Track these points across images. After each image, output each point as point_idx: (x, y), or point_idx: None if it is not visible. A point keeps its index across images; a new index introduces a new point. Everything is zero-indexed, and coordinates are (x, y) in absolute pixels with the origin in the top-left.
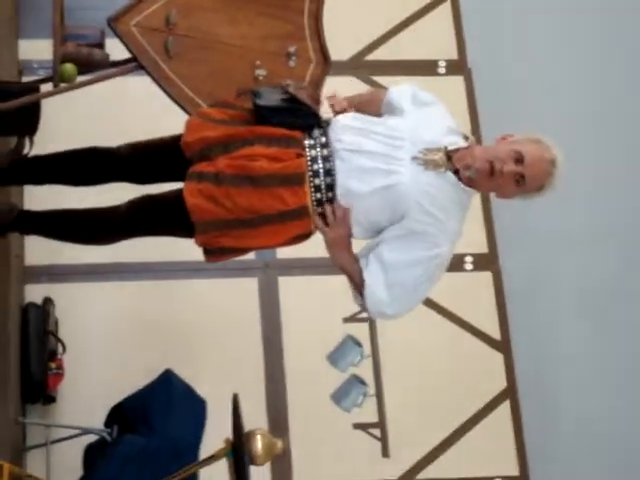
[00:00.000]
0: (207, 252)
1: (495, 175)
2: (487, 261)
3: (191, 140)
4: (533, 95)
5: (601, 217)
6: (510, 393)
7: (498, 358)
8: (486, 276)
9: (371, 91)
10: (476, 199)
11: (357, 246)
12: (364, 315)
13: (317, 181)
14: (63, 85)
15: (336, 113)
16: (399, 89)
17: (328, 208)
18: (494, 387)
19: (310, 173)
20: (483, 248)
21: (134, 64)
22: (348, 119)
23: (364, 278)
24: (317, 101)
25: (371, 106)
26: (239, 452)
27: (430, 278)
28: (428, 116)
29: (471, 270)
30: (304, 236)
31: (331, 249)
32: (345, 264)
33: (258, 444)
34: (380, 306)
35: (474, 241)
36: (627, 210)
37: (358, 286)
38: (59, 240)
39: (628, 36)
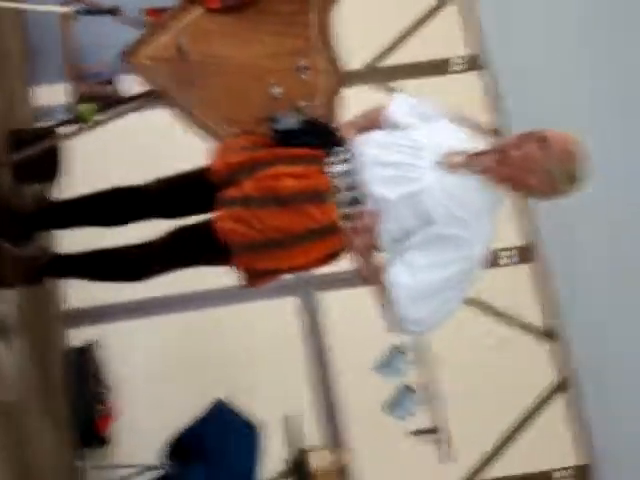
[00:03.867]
0: (244, 278)
1: (521, 143)
2: (526, 253)
3: (217, 167)
4: (552, 83)
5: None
6: (566, 383)
7: (549, 349)
8: (527, 268)
9: (368, 112)
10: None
11: None
12: None
13: (342, 196)
14: (83, 126)
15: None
16: (395, 106)
17: (356, 211)
18: (548, 379)
19: (335, 189)
20: (521, 240)
21: (151, 96)
22: (369, 134)
23: (390, 282)
24: (333, 117)
25: (373, 127)
26: (301, 472)
27: (460, 284)
28: (442, 128)
29: (512, 263)
30: (337, 253)
31: (357, 257)
32: (370, 272)
33: (318, 461)
34: (408, 311)
35: (511, 235)
36: None
37: (384, 295)
38: (96, 281)
39: None
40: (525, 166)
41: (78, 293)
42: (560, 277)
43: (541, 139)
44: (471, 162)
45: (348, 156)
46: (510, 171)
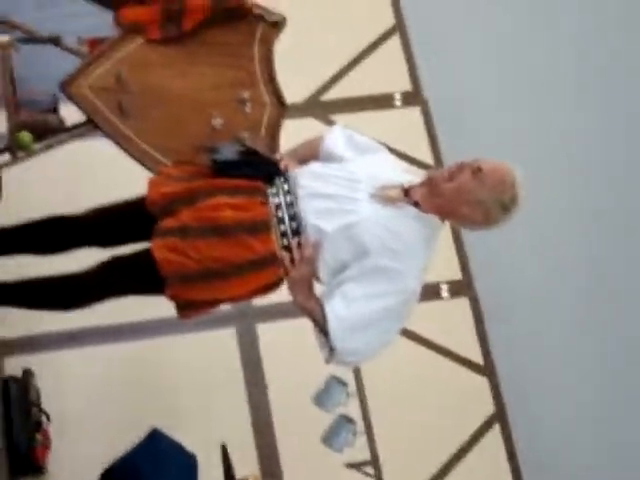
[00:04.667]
0: (179, 309)
1: (453, 174)
2: (462, 287)
3: (154, 197)
4: (491, 118)
5: (567, 231)
6: (499, 416)
7: (483, 382)
8: (463, 302)
9: (306, 143)
10: (446, 228)
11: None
12: None
13: (283, 227)
14: (21, 154)
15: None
16: (332, 138)
17: (294, 242)
18: (483, 412)
19: (275, 220)
20: (457, 275)
21: (90, 126)
22: (307, 166)
23: (326, 313)
24: (274, 150)
25: (311, 158)
26: None
27: (396, 315)
28: (379, 160)
29: (447, 298)
30: (275, 284)
31: (294, 288)
32: (307, 304)
33: None
34: (344, 342)
35: (447, 269)
36: (593, 221)
37: (321, 326)
38: (31, 309)
39: (584, 56)
40: (458, 197)
41: (13, 322)
42: (492, 313)
43: (475, 170)
44: (405, 195)
45: (288, 188)
46: (441, 202)
